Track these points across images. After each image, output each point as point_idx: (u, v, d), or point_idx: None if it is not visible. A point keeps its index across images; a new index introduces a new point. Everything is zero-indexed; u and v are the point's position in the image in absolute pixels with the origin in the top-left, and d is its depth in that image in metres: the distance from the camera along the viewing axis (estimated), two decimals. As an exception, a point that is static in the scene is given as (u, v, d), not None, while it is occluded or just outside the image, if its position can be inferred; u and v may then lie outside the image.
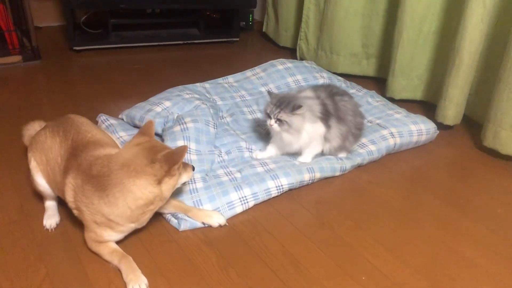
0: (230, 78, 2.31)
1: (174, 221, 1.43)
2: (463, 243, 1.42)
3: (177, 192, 1.47)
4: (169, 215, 1.45)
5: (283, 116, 1.60)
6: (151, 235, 1.40)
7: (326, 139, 1.69)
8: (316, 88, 1.73)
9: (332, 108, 1.67)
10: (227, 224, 1.45)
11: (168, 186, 1.26)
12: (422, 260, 1.35)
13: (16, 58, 2.70)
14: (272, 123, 1.64)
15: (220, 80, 2.29)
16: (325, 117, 1.65)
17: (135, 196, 1.21)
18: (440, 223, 1.51)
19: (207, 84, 2.20)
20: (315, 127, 1.64)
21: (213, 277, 1.25)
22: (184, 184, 1.38)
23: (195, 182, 1.54)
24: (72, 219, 1.38)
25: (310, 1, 2.70)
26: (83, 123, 1.46)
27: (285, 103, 1.60)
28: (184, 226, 1.41)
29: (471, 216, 1.55)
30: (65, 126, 1.42)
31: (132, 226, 1.30)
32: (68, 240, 1.36)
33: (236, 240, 1.40)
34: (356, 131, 1.75)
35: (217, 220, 1.44)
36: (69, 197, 1.29)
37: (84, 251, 1.31)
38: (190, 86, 2.12)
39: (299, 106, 1.58)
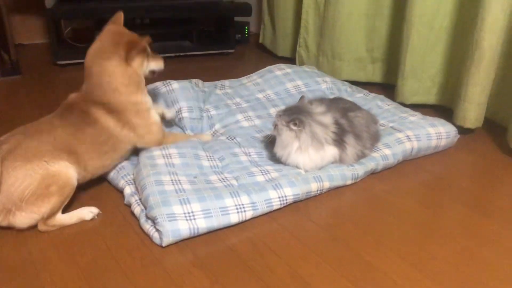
0: (226, 82, 2.12)
1: (156, 237, 1.20)
2: (499, 254, 1.20)
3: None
4: (151, 226, 1.22)
5: (279, 122, 1.46)
6: (131, 256, 1.16)
7: (342, 160, 1.49)
8: (330, 106, 1.55)
9: (348, 126, 1.50)
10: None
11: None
12: (456, 276, 1.12)
13: (-6, 73, 2.52)
14: (273, 124, 1.50)
15: (216, 82, 2.11)
16: (339, 139, 1.46)
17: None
18: (470, 234, 1.29)
19: (205, 89, 2.00)
20: (321, 154, 1.45)
21: (205, 307, 1.01)
22: (154, 73, 1.56)
23: (180, 183, 1.32)
24: None
25: (309, 4, 2.52)
26: None
27: (291, 112, 1.46)
28: (167, 239, 1.18)
29: (504, 224, 1.33)
30: None
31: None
32: None
33: (233, 261, 1.16)
34: (372, 143, 1.57)
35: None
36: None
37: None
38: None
39: (295, 123, 1.41)
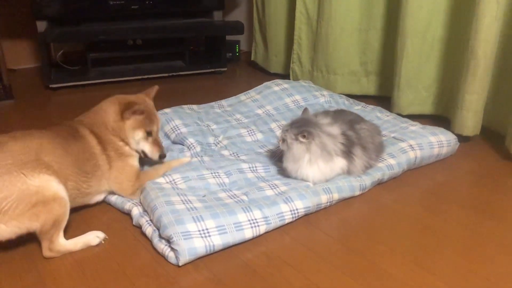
0: (224, 102, 2.12)
1: (172, 257, 1.18)
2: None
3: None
4: (166, 246, 1.20)
5: (288, 136, 1.45)
6: (146, 276, 1.14)
7: (350, 171, 1.50)
8: (336, 118, 1.56)
9: (355, 137, 1.51)
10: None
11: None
12: (470, 279, 1.13)
13: (-13, 99, 2.49)
14: (280, 139, 1.50)
15: (212, 103, 2.11)
16: (348, 150, 1.47)
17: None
18: (479, 237, 1.31)
19: (200, 110, 2.00)
20: (330, 166, 1.46)
21: (227, 324, 1.00)
22: (145, 156, 1.51)
23: (191, 202, 1.31)
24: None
25: (301, 21, 2.56)
26: None
27: (298, 125, 1.46)
28: (183, 258, 1.16)
29: (510, 226, 1.36)
30: None
31: None
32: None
33: (250, 276, 1.15)
34: (377, 154, 1.58)
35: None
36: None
37: None
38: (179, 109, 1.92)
39: (304, 135, 1.41)
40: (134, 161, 1.49)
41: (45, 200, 1.18)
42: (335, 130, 1.47)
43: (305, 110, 1.57)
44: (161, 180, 1.45)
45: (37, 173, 1.20)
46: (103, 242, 1.29)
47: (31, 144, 1.25)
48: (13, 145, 1.23)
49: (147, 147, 1.50)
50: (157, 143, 1.52)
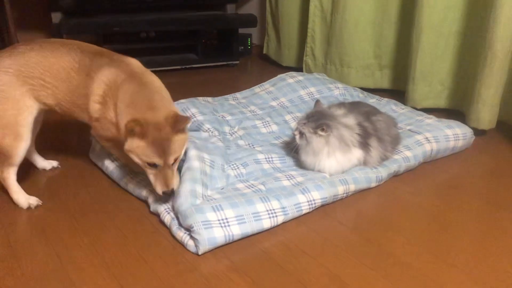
0: (238, 94, 2.13)
1: (191, 245, 1.19)
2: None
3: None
4: (185, 234, 1.21)
5: (305, 129, 1.45)
6: (166, 264, 1.15)
7: (366, 162, 1.50)
8: (352, 110, 1.56)
9: (371, 129, 1.51)
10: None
11: None
12: (488, 270, 1.13)
13: None
14: (296, 133, 1.49)
15: (227, 96, 2.11)
16: (364, 141, 1.47)
17: None
18: (496, 230, 1.30)
19: (216, 102, 2.00)
20: (348, 157, 1.46)
21: (247, 311, 1.01)
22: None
23: (209, 195, 1.32)
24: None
25: (315, 14, 2.55)
26: None
27: (315, 118, 1.46)
28: (203, 248, 1.17)
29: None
30: None
31: None
32: (64, 276, 1.11)
33: (269, 265, 1.15)
34: (393, 146, 1.58)
35: None
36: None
37: None
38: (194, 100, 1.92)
39: (323, 128, 1.41)
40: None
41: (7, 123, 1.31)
42: (351, 120, 1.47)
43: (318, 102, 1.57)
44: (193, 152, 1.44)
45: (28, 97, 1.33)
46: (32, 207, 1.38)
47: (44, 62, 1.34)
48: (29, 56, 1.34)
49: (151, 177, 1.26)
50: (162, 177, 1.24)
